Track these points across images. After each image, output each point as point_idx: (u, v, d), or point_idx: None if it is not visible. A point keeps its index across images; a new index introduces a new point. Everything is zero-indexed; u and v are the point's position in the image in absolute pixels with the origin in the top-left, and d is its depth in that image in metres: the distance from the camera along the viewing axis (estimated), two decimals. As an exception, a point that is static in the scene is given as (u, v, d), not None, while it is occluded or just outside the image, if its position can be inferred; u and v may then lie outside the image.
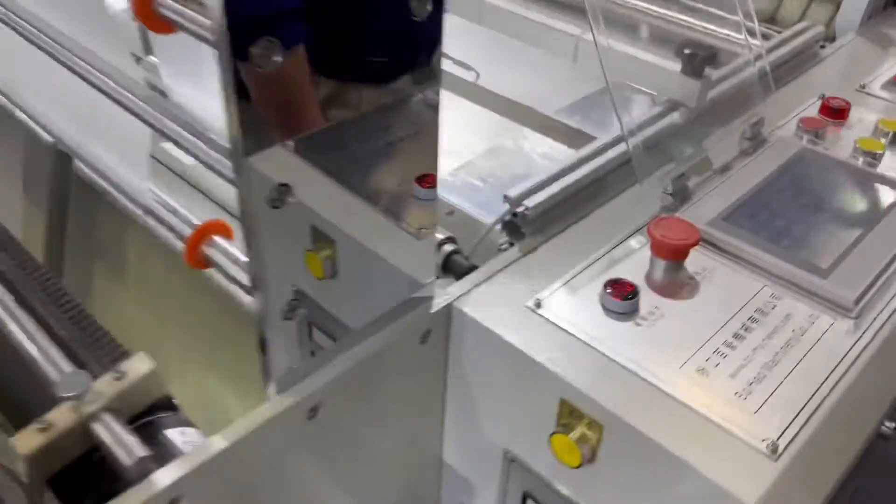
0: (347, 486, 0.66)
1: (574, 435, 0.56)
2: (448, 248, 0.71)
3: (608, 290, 0.62)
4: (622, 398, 0.55)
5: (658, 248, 0.64)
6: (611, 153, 0.75)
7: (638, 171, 0.71)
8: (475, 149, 0.88)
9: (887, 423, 0.67)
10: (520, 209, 0.69)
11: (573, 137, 0.90)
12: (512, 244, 0.71)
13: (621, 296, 0.61)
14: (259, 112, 0.47)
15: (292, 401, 0.53)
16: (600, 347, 0.58)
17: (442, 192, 0.84)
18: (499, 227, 0.72)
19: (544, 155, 0.87)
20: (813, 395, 0.56)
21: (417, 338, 0.61)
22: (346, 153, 0.73)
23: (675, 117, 0.79)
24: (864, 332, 0.61)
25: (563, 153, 0.88)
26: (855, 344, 0.60)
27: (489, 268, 0.66)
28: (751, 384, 0.56)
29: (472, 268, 0.69)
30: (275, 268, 0.70)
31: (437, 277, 0.71)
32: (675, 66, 0.80)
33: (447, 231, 0.73)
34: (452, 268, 0.70)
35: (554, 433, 0.57)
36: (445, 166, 0.86)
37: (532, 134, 0.91)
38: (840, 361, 0.59)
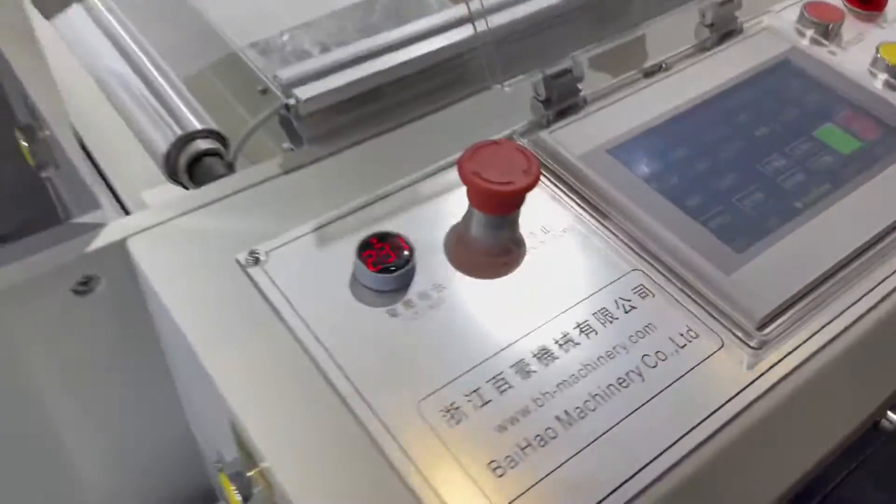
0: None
1: (245, 477, 0.36)
2: (203, 145, 0.49)
3: (363, 254, 0.39)
4: (302, 446, 0.33)
5: (471, 193, 0.40)
6: (469, 29, 0.49)
7: (488, 67, 0.45)
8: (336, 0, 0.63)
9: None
10: (291, 101, 0.45)
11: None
12: (293, 150, 0.48)
13: (379, 265, 0.38)
14: None
15: None
16: (314, 349, 0.36)
17: (260, 59, 0.60)
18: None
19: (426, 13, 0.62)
20: (628, 480, 0.33)
21: (67, 286, 0.40)
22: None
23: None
24: (760, 377, 0.37)
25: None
26: (742, 392, 0.37)
27: (221, 187, 0.44)
28: (525, 448, 0.34)
29: (231, 178, 0.47)
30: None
31: (188, 189, 0.50)
32: None
33: (211, 121, 0.50)
34: (200, 175, 0.48)
35: (220, 469, 0.37)
36: (283, 22, 0.62)
37: (425, -13, 0.65)
38: (704, 420, 0.35)
